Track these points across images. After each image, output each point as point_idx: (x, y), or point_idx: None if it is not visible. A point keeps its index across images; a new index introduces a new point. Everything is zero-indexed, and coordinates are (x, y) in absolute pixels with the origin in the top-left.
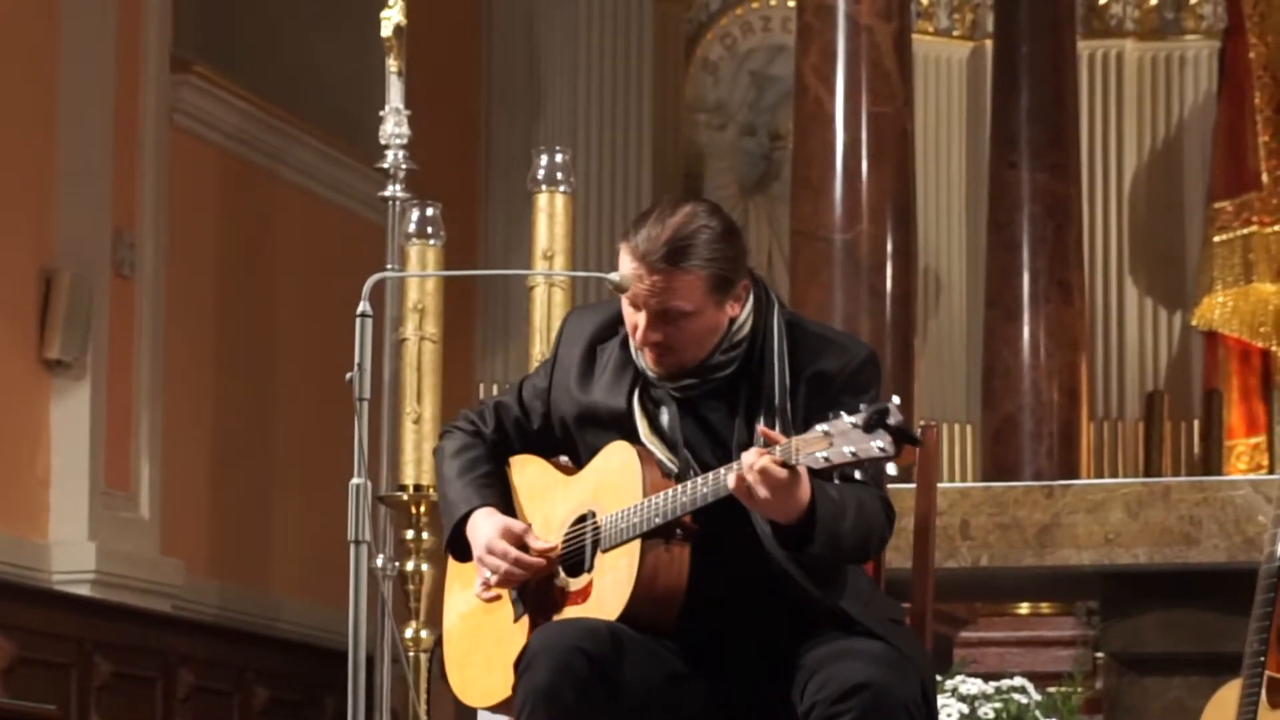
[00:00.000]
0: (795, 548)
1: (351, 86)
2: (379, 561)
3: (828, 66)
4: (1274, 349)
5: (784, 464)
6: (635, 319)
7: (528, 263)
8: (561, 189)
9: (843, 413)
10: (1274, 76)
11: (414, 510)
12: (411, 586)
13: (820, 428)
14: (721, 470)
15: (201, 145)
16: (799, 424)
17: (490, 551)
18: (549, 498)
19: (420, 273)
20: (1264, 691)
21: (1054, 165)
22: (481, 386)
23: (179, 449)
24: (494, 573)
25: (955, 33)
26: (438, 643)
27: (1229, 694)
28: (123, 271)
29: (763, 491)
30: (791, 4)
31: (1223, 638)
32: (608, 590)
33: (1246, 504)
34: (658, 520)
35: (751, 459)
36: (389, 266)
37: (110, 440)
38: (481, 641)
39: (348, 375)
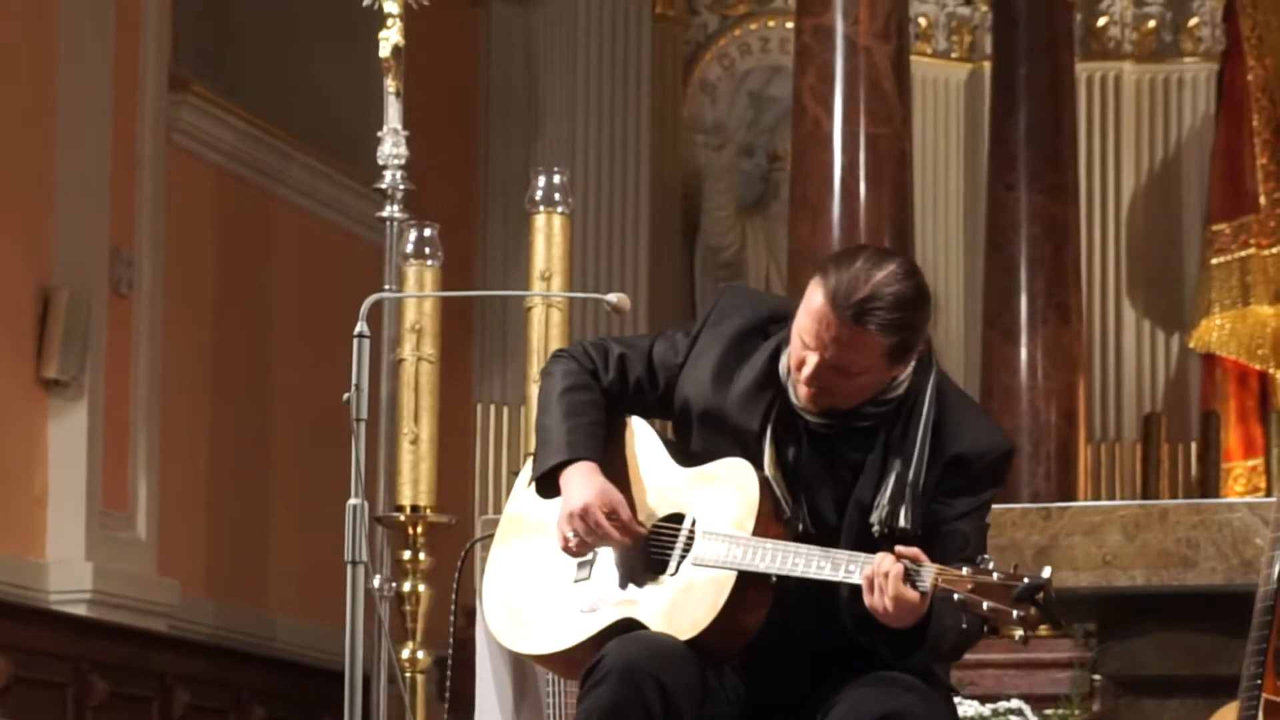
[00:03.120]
0: (897, 653)
1: (350, 107)
2: (376, 582)
3: (826, 87)
4: (1272, 371)
5: (915, 587)
6: (805, 355)
7: (525, 283)
8: (559, 210)
9: (991, 563)
10: (1272, 99)
11: (411, 531)
12: (409, 607)
13: (965, 569)
14: (845, 562)
15: (199, 164)
16: (925, 499)
17: (584, 515)
18: (651, 479)
19: (418, 293)
20: (1261, 714)
21: (1052, 187)
22: (480, 407)
23: (176, 469)
24: (577, 534)
25: (953, 54)
26: (436, 663)
27: (1226, 716)
28: (120, 290)
29: (890, 607)
30: (790, 25)
31: (1220, 660)
32: (684, 608)
33: (1244, 526)
34: (762, 568)
35: (893, 575)
36: (386, 287)
37: (107, 460)
38: (533, 582)
39: (345, 395)
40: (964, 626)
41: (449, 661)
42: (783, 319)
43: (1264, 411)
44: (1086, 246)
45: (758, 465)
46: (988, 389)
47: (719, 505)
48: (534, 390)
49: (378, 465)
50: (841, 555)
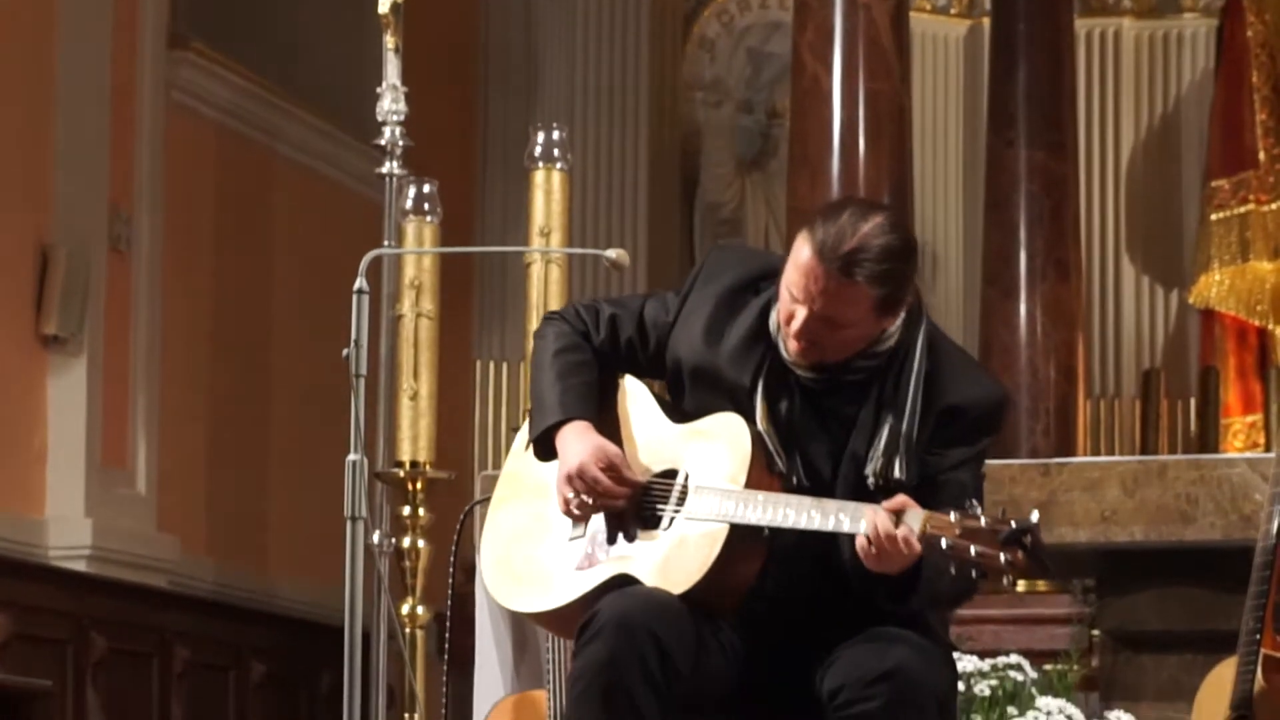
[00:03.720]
0: (893, 600)
1: (349, 63)
2: (375, 538)
3: (825, 44)
4: (1271, 327)
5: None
6: (794, 309)
7: (525, 239)
8: (558, 166)
9: (979, 507)
10: (1271, 55)
11: (410, 486)
12: (408, 563)
13: (953, 515)
14: (835, 511)
15: (198, 122)
16: (919, 451)
17: (582, 475)
18: (644, 435)
19: (417, 249)
20: (1259, 669)
21: (1051, 144)
22: (479, 363)
23: (175, 425)
24: (577, 494)
25: (953, 10)
26: (435, 618)
27: (1225, 671)
28: (119, 247)
29: (885, 556)
30: None
31: (1218, 615)
32: (678, 561)
33: (1243, 482)
34: (754, 519)
35: (887, 527)
36: (386, 243)
37: (107, 416)
38: (529, 541)
39: (344, 351)
40: (954, 572)
41: (448, 620)
42: (773, 275)
43: (1263, 367)
44: (1086, 203)
45: (750, 420)
46: (987, 346)
47: (712, 460)
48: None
49: (377, 421)
50: (831, 505)
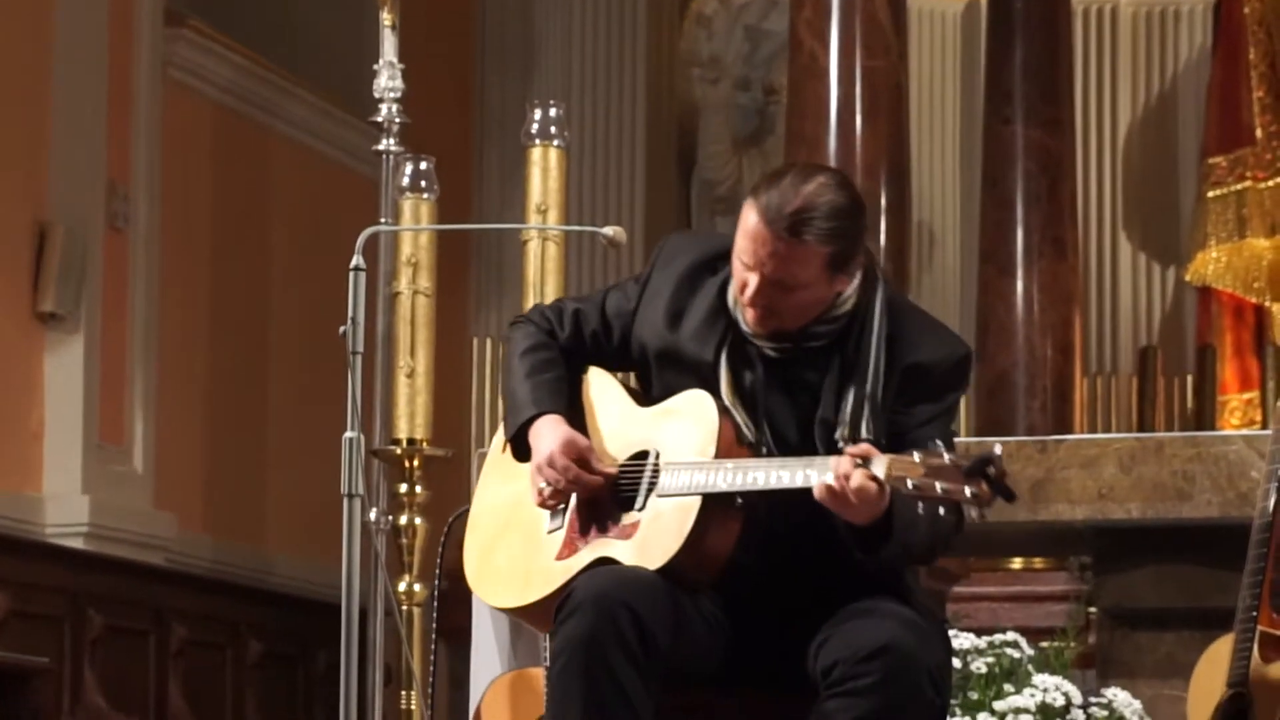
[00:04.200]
0: (865, 549)
1: (345, 40)
2: (372, 515)
3: (822, 21)
4: (1268, 304)
5: (873, 478)
6: (746, 277)
7: (521, 216)
8: (555, 143)
9: (942, 443)
10: (1269, 32)
11: (407, 464)
12: (405, 540)
13: (916, 455)
14: (802, 464)
15: (195, 99)
16: (885, 410)
17: (551, 464)
18: (615, 421)
19: (414, 226)
20: (1256, 646)
21: (1048, 121)
22: (476, 340)
23: (173, 403)
24: (550, 484)
25: None
26: (433, 596)
27: (1222, 648)
28: (117, 225)
29: (852, 501)
30: None
31: (1215, 592)
32: (655, 538)
33: (1239, 459)
34: (724, 487)
35: (847, 469)
36: (383, 220)
37: (104, 394)
38: (508, 539)
39: (341, 329)
40: (921, 512)
41: (434, 599)
42: (728, 254)
43: (1260, 345)
44: (1083, 181)
45: (715, 394)
46: (984, 323)
47: (681, 437)
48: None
49: (374, 398)
50: (797, 462)
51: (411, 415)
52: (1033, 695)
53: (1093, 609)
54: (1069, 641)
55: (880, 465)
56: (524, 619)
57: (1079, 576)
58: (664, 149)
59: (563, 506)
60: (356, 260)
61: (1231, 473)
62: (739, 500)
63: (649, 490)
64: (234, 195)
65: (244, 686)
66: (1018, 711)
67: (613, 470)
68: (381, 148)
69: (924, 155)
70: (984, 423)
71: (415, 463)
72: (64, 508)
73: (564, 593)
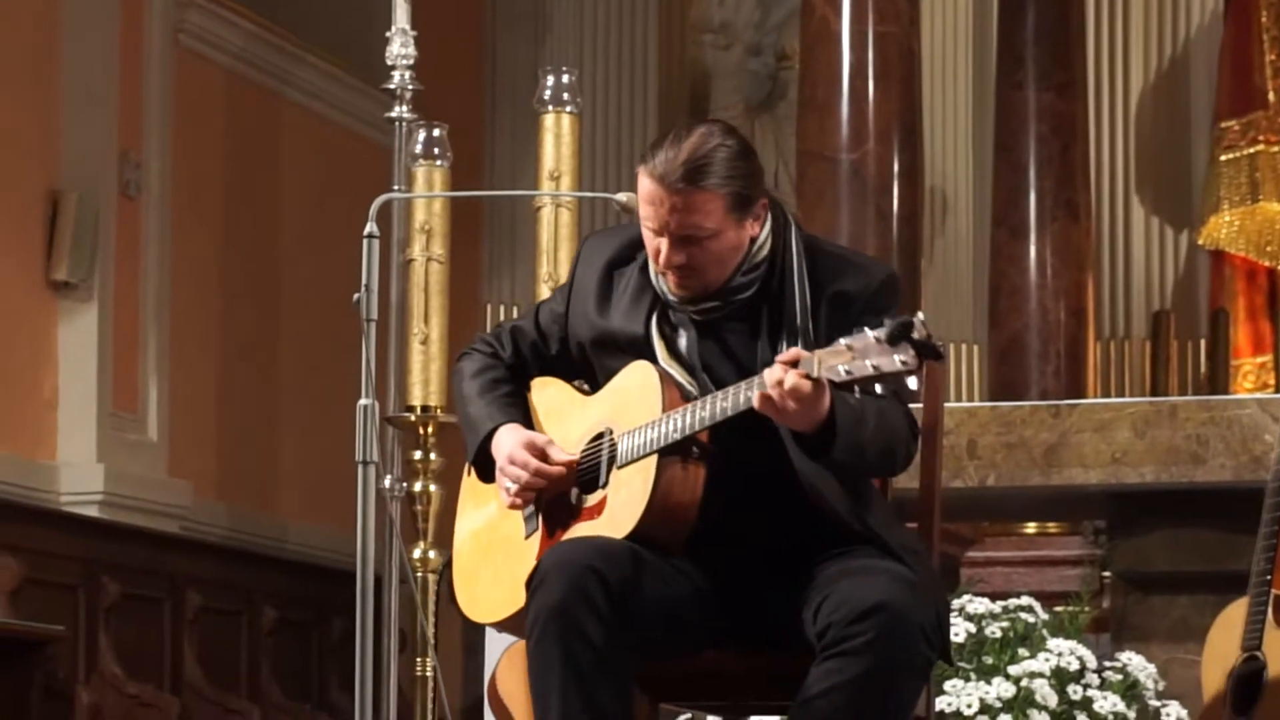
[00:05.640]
0: (817, 456)
1: (357, 7)
2: (387, 482)
3: None
4: None
5: (807, 376)
6: (656, 243)
7: (534, 183)
8: (568, 109)
9: (865, 327)
10: None
11: (421, 431)
12: (419, 507)
13: (843, 341)
14: (741, 386)
15: (207, 66)
16: (821, 343)
17: (512, 462)
18: (567, 417)
19: (427, 193)
20: (1270, 609)
21: (1060, 85)
22: (489, 307)
23: (186, 370)
24: (515, 482)
25: None
26: (447, 564)
27: (1235, 612)
28: (129, 192)
29: (790, 404)
30: None
31: (1229, 556)
32: (621, 507)
33: (1253, 423)
34: (675, 435)
35: (778, 374)
36: (395, 187)
37: (117, 362)
38: (491, 558)
39: (355, 296)
40: (866, 408)
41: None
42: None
43: (1273, 308)
44: (1095, 144)
45: (654, 363)
46: (996, 287)
47: (629, 409)
48: (544, 290)
49: (388, 366)
50: (738, 386)
51: (425, 382)
52: (1047, 660)
53: (1107, 573)
54: (1083, 606)
55: (810, 362)
56: (519, 630)
57: (1093, 541)
58: (676, 115)
59: (534, 509)
60: (370, 227)
61: (1245, 436)
62: (695, 450)
63: (609, 465)
64: (246, 162)
65: (259, 654)
66: (1032, 676)
67: (574, 457)
68: (394, 115)
69: (936, 120)
70: (997, 387)
71: (429, 429)
72: (78, 476)
73: None
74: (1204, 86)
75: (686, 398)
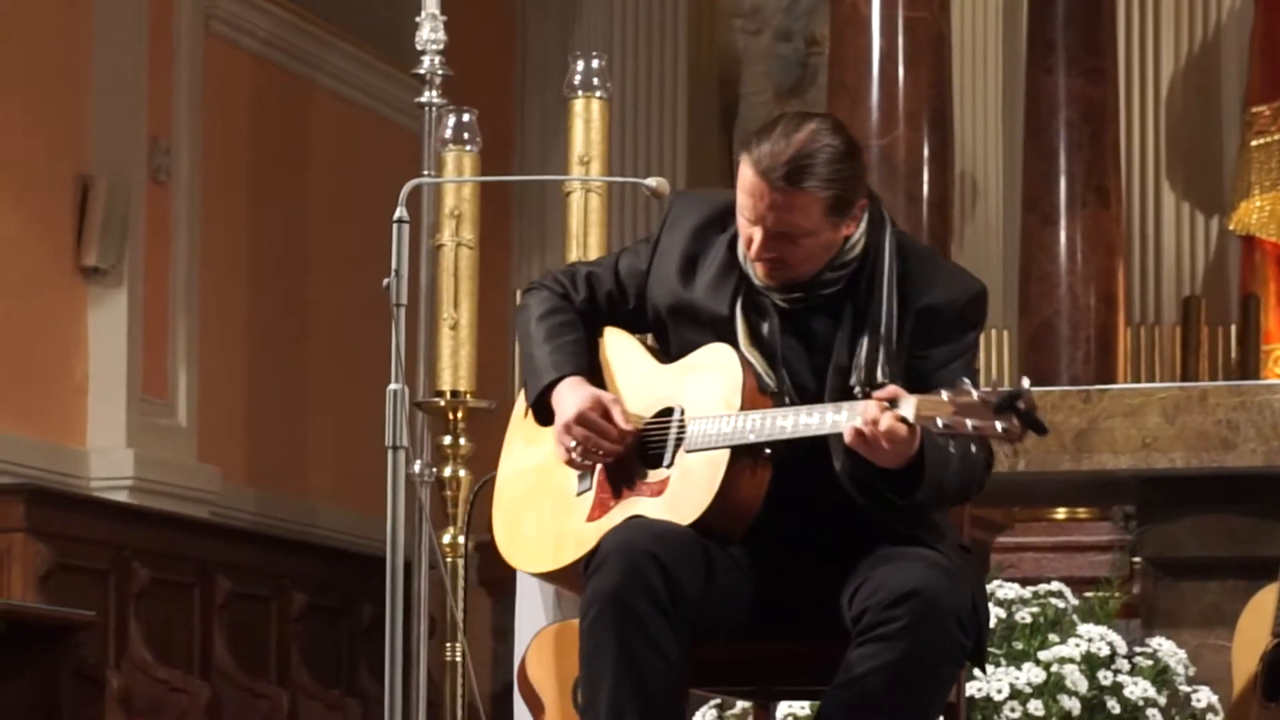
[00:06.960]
0: (900, 493)
1: None
2: (416, 467)
3: None
4: None
5: (903, 420)
6: (750, 232)
7: (564, 168)
8: (598, 94)
9: (969, 381)
10: None
11: (451, 416)
12: (449, 492)
13: (945, 394)
14: (829, 409)
15: (237, 51)
16: (902, 354)
17: (579, 422)
18: (638, 379)
19: (457, 178)
20: None
21: (1091, 70)
22: (518, 292)
23: (215, 356)
24: (579, 442)
25: None
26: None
27: (1266, 598)
28: (158, 178)
29: (883, 444)
30: None
31: (1259, 542)
32: (684, 493)
33: None
34: (751, 438)
35: (874, 413)
36: (425, 172)
37: (147, 347)
38: (537, 505)
39: (385, 281)
40: (952, 450)
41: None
42: (735, 210)
43: None
44: (1125, 130)
45: (735, 346)
46: (1026, 273)
47: (705, 391)
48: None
49: (417, 350)
50: (825, 407)
51: (455, 367)
52: (1077, 645)
53: (1137, 559)
54: (1113, 591)
55: (909, 406)
56: (558, 583)
57: (1123, 526)
58: (706, 100)
59: (591, 467)
60: (400, 213)
61: (1276, 421)
62: (767, 450)
63: (676, 446)
64: (275, 148)
65: (288, 639)
66: (1062, 661)
67: (639, 427)
68: (424, 100)
69: (966, 105)
70: (1027, 372)
71: (459, 415)
72: (108, 461)
73: None
74: (1235, 71)
75: (763, 389)
